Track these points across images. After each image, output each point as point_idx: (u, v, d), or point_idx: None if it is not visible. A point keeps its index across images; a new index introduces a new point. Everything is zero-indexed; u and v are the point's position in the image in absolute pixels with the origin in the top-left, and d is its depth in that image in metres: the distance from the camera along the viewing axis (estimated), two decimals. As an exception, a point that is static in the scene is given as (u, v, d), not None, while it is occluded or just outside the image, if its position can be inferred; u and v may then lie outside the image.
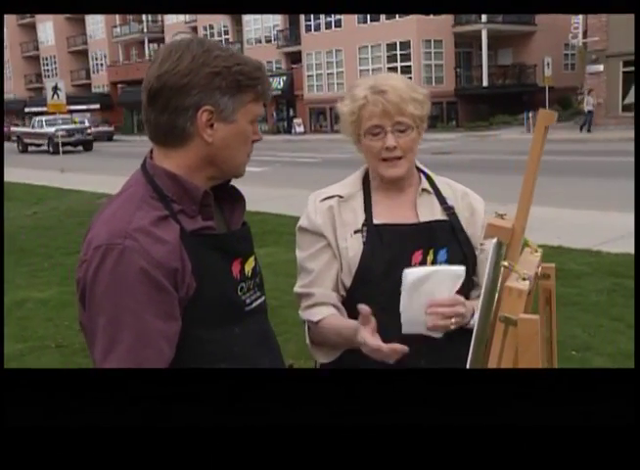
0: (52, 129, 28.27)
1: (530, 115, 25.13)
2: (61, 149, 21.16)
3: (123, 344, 1.10)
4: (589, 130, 22.93)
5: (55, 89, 18.97)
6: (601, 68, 23.83)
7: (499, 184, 9.95)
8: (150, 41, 46.93)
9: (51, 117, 30.43)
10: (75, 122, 31.89)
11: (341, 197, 1.60)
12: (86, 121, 40.93)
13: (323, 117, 34.54)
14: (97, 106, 46.51)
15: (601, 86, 23.81)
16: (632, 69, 23.34)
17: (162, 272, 1.11)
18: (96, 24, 50.41)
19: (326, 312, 1.55)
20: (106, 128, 40.73)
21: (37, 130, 30.60)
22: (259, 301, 1.31)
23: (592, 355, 3.84)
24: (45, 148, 29.96)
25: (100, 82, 50.80)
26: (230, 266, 1.23)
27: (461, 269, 1.37)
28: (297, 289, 1.61)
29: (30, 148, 31.00)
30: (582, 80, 25.68)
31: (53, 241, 8.07)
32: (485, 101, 30.47)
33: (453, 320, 1.36)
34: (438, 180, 1.67)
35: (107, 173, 16.55)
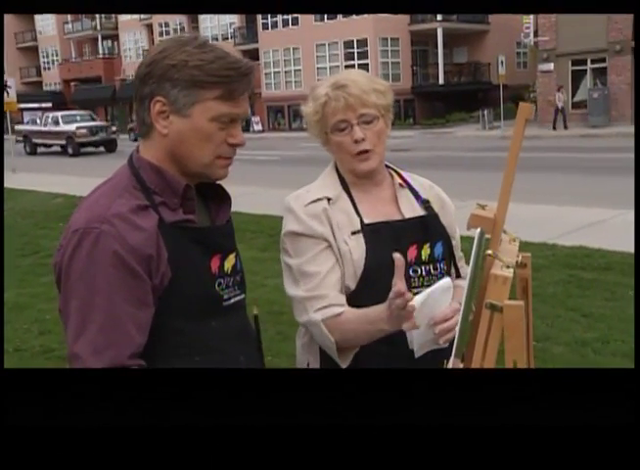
0: (71, 127, 24.42)
1: (485, 112, 25.62)
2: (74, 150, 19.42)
3: (94, 324, 1.11)
4: (564, 127, 22.93)
5: (4, 87, 18.35)
6: (551, 66, 24.43)
7: (456, 180, 10.12)
8: (103, 38, 45.91)
9: (68, 112, 26.22)
10: (94, 119, 27.39)
11: (329, 199, 1.57)
12: (38, 120, 39.43)
13: (281, 114, 34.44)
14: (49, 104, 45.20)
15: (551, 84, 24.41)
16: (581, 67, 24.08)
17: (136, 258, 1.13)
18: (46, 20, 48.98)
19: (345, 308, 1.48)
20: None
21: (52, 128, 25.54)
22: (238, 298, 1.32)
23: (551, 345, 3.96)
24: (57, 149, 25.06)
25: (51, 80, 49.43)
26: (209, 261, 1.24)
27: (448, 280, 1.37)
28: (300, 293, 1.50)
29: (40, 149, 26.41)
30: (534, 78, 26.29)
31: (8, 242, 7.84)
32: (442, 98, 30.91)
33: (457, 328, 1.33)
34: (406, 175, 1.69)
35: (62, 173, 16.16)
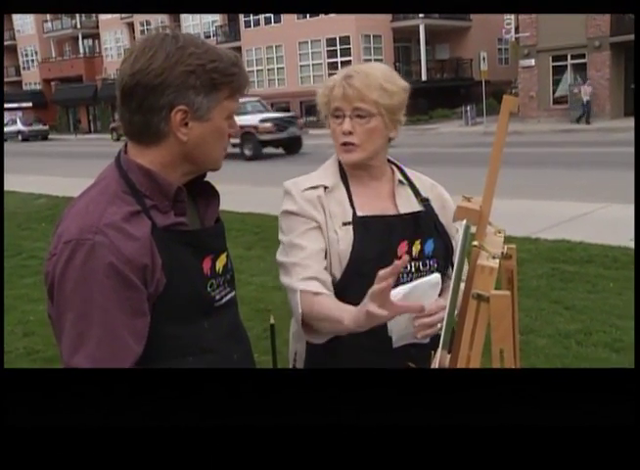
0: (251, 119, 16.40)
1: (468, 108, 25.76)
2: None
3: (92, 339, 1.10)
4: (588, 122, 22.09)
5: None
6: (532, 62, 24.64)
7: (440, 176, 10.15)
8: (84, 37, 45.45)
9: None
10: (267, 108, 18.93)
11: (326, 187, 1.59)
12: (18, 120, 38.75)
13: (265, 112, 34.38)
14: (29, 104, 44.68)
15: (533, 80, 24.62)
16: (561, 63, 24.32)
17: (132, 268, 1.11)
18: (24, 19, 48.39)
19: (328, 292, 1.50)
20: (40, 127, 39.17)
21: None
22: (229, 296, 1.31)
23: (534, 337, 4.00)
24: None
25: (31, 79, 48.83)
26: (201, 263, 1.23)
27: (437, 277, 1.38)
28: (289, 259, 1.53)
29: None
30: (516, 74, 26.49)
31: (-11, 244, 7.75)
32: (424, 95, 30.97)
33: (439, 325, 1.33)
34: (408, 172, 1.69)
35: (43, 174, 15.97)
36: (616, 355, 3.68)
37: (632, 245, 5.60)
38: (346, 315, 1.34)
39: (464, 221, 1.04)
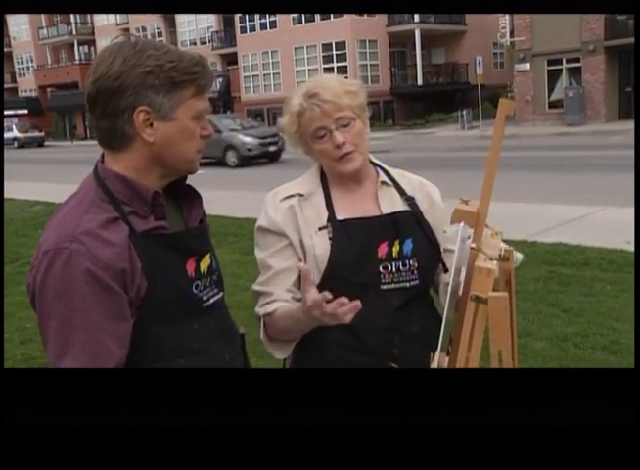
0: None
1: (464, 112, 25.84)
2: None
3: (75, 345, 1.12)
4: None
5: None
6: (528, 66, 24.73)
7: (436, 180, 10.16)
8: (80, 44, 45.47)
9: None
10: None
11: (301, 195, 1.60)
12: (14, 127, 38.82)
13: (261, 118, 34.41)
14: (25, 111, 44.68)
15: (528, 84, 24.71)
16: (556, 67, 24.42)
17: (109, 274, 1.13)
18: (19, 26, 48.41)
19: (280, 305, 1.54)
20: (36, 134, 39.12)
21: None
22: (217, 297, 1.33)
23: (532, 340, 4.01)
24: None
25: (27, 86, 48.83)
26: (184, 264, 1.24)
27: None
28: (255, 287, 1.60)
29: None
30: (511, 78, 26.59)
31: (-14, 251, 7.72)
32: (421, 99, 31.10)
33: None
34: (394, 172, 1.69)
35: (39, 180, 15.97)
36: (613, 358, 3.69)
37: (628, 247, 5.62)
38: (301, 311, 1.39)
39: (461, 224, 1.05)
